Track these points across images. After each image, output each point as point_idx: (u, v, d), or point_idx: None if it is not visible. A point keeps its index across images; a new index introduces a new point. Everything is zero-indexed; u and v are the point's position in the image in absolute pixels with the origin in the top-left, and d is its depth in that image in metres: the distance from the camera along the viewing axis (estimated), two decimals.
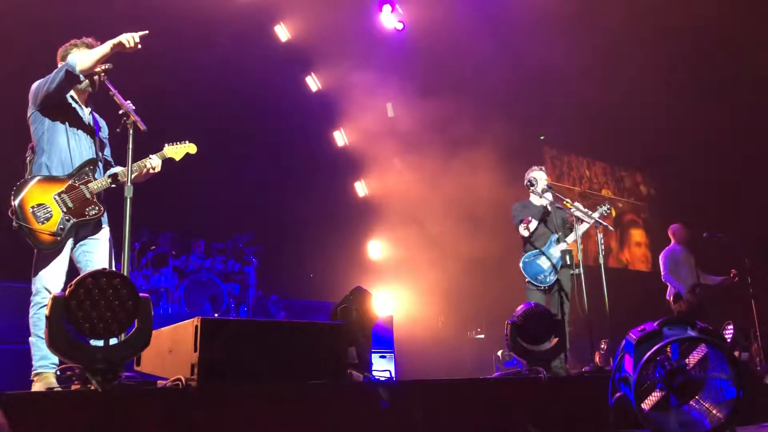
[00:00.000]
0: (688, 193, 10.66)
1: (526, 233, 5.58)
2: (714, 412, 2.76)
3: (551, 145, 11.63)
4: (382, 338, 7.32)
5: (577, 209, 5.44)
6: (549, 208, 5.61)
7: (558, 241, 5.55)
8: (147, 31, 3.52)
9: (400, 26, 9.97)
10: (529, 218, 5.57)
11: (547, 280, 5.45)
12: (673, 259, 7.35)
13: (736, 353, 6.16)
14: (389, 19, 9.99)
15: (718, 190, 10.27)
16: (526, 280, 5.50)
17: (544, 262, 5.50)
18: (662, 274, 7.36)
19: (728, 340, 6.32)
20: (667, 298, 7.34)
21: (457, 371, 8.21)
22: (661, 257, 7.46)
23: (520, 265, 5.55)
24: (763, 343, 7.19)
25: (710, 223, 7.76)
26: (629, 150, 11.69)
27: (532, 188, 5.68)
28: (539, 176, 5.74)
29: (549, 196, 5.60)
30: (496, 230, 9.02)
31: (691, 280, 7.20)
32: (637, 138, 11.08)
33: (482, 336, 9.34)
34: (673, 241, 7.50)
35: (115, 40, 3.48)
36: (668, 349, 2.79)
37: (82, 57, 3.52)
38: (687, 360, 2.80)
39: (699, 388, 2.80)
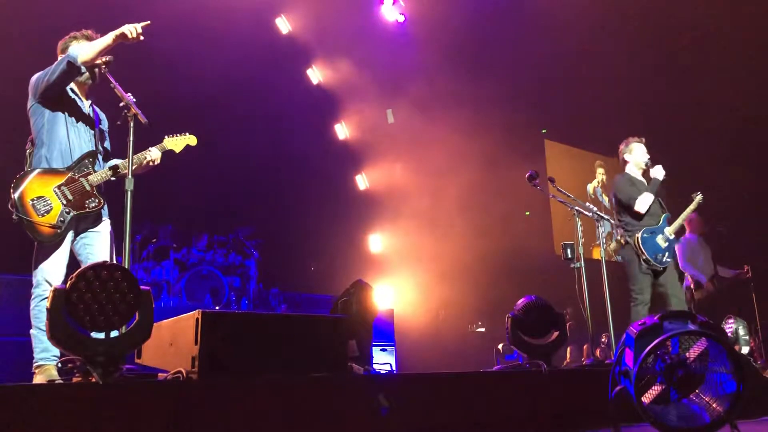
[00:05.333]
0: (689, 186, 10.64)
1: (642, 210, 5.13)
2: (714, 405, 2.77)
3: (553, 139, 11.62)
4: (383, 331, 7.34)
5: (577, 203, 5.42)
6: (659, 181, 5.27)
7: (670, 221, 5.24)
8: (149, 22, 3.51)
9: (401, 18, 9.95)
10: (644, 193, 5.17)
11: (665, 260, 5.10)
12: (690, 248, 7.34)
13: (737, 347, 6.18)
14: (390, 11, 9.96)
15: (720, 183, 10.24)
16: (643, 257, 5.04)
17: (661, 241, 5.14)
18: (680, 263, 7.33)
19: (728, 335, 6.33)
20: (684, 287, 7.33)
21: (457, 364, 8.24)
22: (677, 247, 7.45)
23: (637, 241, 5.06)
24: (764, 337, 7.21)
25: (711, 216, 7.77)
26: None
27: (646, 156, 5.33)
28: (642, 148, 5.36)
29: (660, 170, 5.27)
30: (497, 223, 9.03)
31: (709, 270, 7.21)
32: (637, 129, 11.05)
33: (483, 329, 9.37)
34: (688, 231, 7.50)
35: (117, 32, 3.47)
36: (668, 343, 2.79)
37: (84, 48, 3.51)
38: (687, 354, 2.80)
39: (699, 381, 2.80)
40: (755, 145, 9.80)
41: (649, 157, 5.34)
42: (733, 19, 9.22)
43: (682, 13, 9.26)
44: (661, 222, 5.21)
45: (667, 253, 5.10)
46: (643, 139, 5.47)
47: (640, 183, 5.32)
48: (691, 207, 5.43)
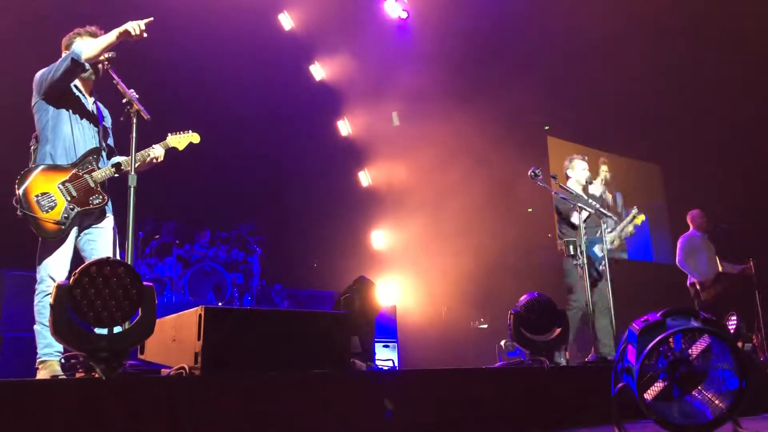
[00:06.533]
0: (692, 183, 10.63)
1: (577, 222, 5.40)
2: (716, 402, 2.77)
3: (556, 136, 11.59)
4: (386, 328, 7.35)
5: (580, 200, 5.43)
6: (599, 196, 5.66)
7: (606, 231, 5.51)
8: (152, 18, 3.51)
9: (404, 15, 9.94)
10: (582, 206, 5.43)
11: (600, 268, 5.44)
12: (691, 245, 7.31)
13: (740, 344, 6.17)
14: (393, 7, 9.95)
15: (723, 179, 10.22)
16: (576, 263, 5.37)
17: (597, 251, 5.51)
18: (677, 258, 7.34)
19: (732, 331, 6.32)
20: (688, 284, 7.32)
21: (459, 361, 8.24)
22: (678, 242, 7.44)
23: (573, 250, 5.39)
24: (767, 333, 7.19)
25: (714, 214, 7.75)
26: (635, 140, 11.65)
27: (587, 174, 5.67)
28: (583, 165, 5.72)
29: (598, 186, 5.65)
30: (500, 220, 9.02)
31: (712, 268, 7.19)
32: (636, 124, 11.04)
33: (485, 326, 9.36)
34: (691, 228, 7.47)
35: (121, 29, 3.48)
36: (671, 340, 2.79)
37: (88, 45, 3.52)
38: (690, 350, 2.80)
39: (702, 378, 2.80)
40: (758, 142, 9.78)
41: (589, 174, 5.69)
42: (736, 19, 9.20)
43: (687, 13, 9.23)
44: (598, 234, 5.50)
45: (603, 262, 5.35)
46: (586, 157, 5.85)
47: (581, 197, 5.61)
48: (627, 221, 5.68)
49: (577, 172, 5.74)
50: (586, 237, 5.27)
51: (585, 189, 5.72)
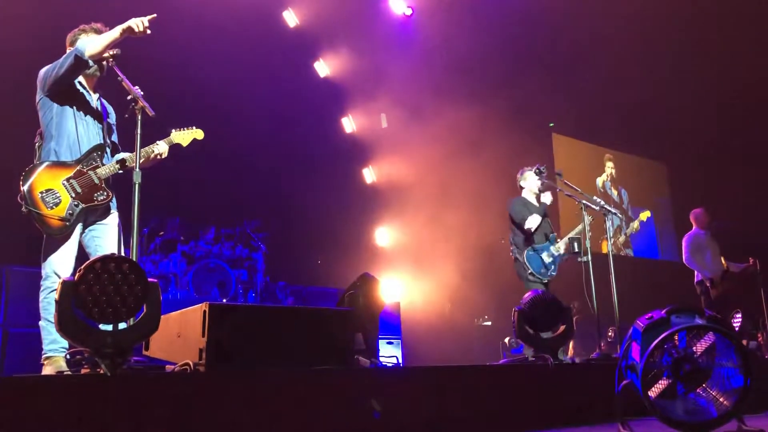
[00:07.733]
0: (697, 181, 10.59)
1: (531, 227, 5.69)
2: (721, 400, 2.76)
3: (561, 133, 11.56)
4: (389, 324, 7.36)
5: (584, 197, 5.44)
6: (546, 205, 5.93)
7: (555, 239, 5.79)
8: (155, 15, 3.51)
9: (408, 11, 9.93)
10: (534, 214, 5.74)
11: (549, 273, 5.66)
12: (697, 243, 7.30)
13: (744, 342, 6.16)
14: (398, 4, 9.94)
15: (727, 178, 10.18)
16: (529, 272, 5.61)
17: (546, 257, 5.69)
18: (684, 256, 7.34)
19: (736, 329, 6.31)
20: (696, 282, 7.30)
21: (464, 358, 8.24)
22: (683, 240, 7.45)
23: (524, 258, 5.66)
24: None
25: (718, 210, 7.74)
26: (641, 138, 11.61)
27: (538, 183, 5.87)
28: (534, 177, 5.93)
29: (548, 196, 5.92)
30: (505, 217, 9.01)
31: (718, 266, 7.18)
32: (642, 122, 11.00)
33: (489, 323, 9.36)
34: (695, 226, 7.46)
35: (124, 25, 3.47)
36: (676, 337, 2.78)
37: (92, 42, 3.52)
38: (694, 348, 2.79)
39: (706, 376, 2.80)
40: (762, 141, 9.74)
41: (540, 183, 5.89)
42: (742, 17, 9.16)
43: (692, 11, 9.19)
44: (549, 240, 5.78)
45: (552, 267, 5.70)
46: (535, 168, 6.03)
47: (532, 206, 5.87)
48: (579, 228, 5.76)
49: (530, 182, 5.93)
50: (537, 243, 5.65)
51: (538, 198, 5.94)
